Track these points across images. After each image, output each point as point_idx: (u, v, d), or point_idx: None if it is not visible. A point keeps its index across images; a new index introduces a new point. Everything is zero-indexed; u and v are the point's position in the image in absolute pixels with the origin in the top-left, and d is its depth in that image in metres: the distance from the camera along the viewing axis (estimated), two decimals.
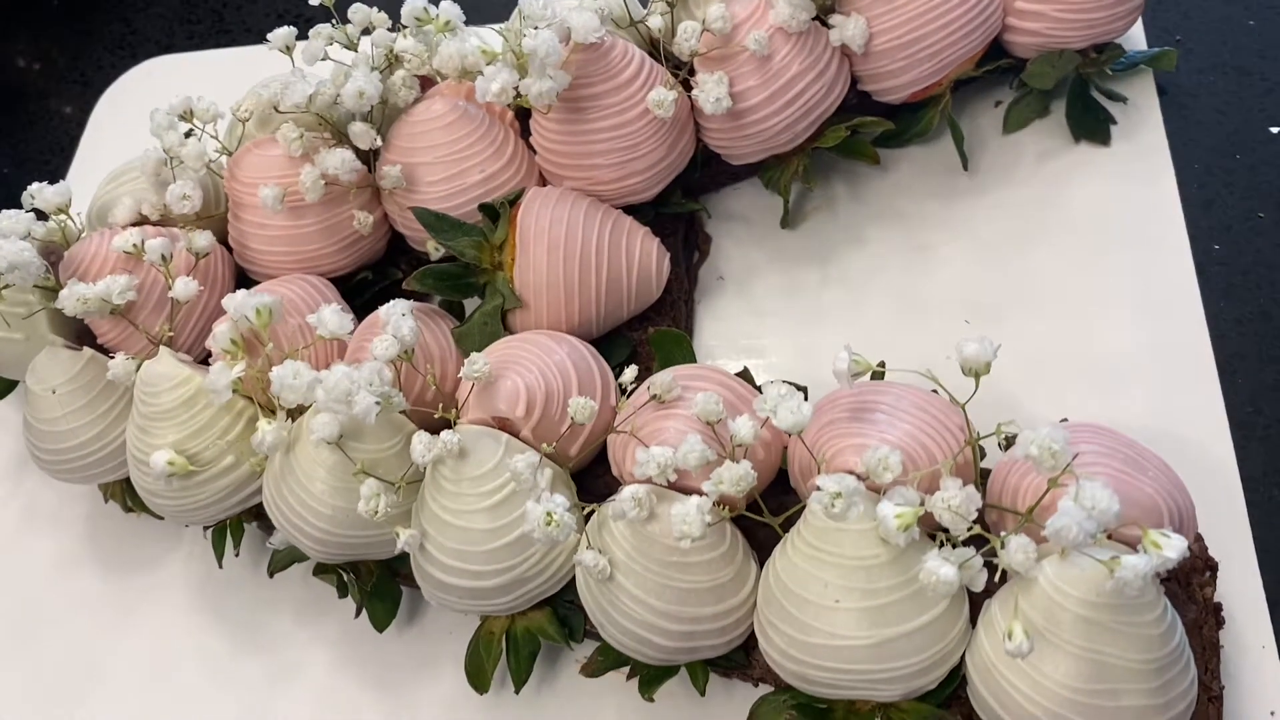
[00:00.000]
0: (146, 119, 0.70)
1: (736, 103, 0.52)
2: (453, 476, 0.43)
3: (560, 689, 0.48)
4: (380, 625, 0.49)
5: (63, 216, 0.54)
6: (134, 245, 0.51)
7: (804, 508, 0.40)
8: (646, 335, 0.52)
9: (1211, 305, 0.52)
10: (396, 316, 0.44)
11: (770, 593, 0.41)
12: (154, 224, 0.55)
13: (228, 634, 0.52)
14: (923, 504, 0.38)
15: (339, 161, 0.50)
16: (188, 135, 0.54)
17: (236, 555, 0.51)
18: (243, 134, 0.55)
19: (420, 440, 0.43)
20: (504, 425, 0.44)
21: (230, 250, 0.55)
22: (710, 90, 0.51)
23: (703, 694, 0.44)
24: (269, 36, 0.54)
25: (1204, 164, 0.56)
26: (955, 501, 0.37)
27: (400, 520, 0.45)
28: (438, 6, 0.53)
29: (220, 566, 0.51)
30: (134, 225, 0.53)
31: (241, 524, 0.51)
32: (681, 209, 0.55)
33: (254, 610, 0.52)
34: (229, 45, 0.74)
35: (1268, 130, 0.56)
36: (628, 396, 0.45)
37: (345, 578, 0.48)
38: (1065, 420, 0.45)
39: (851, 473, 0.39)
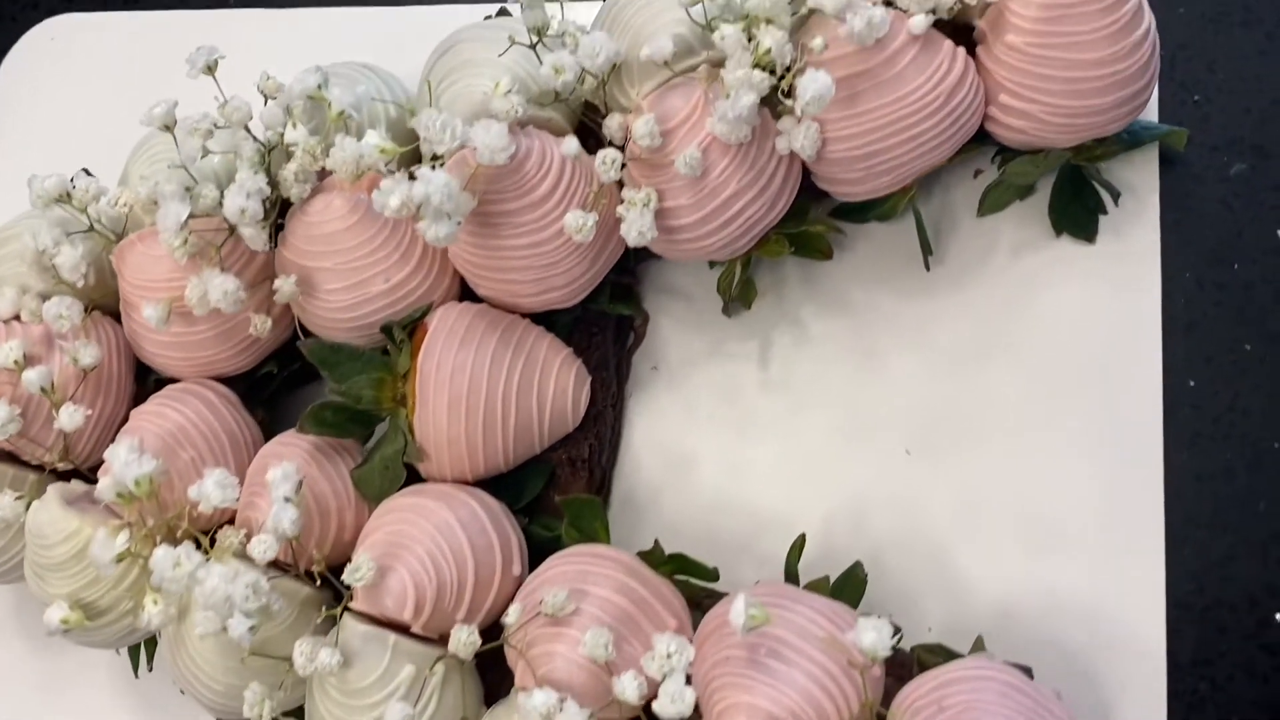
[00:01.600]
0: (53, 92, 0.65)
1: (667, 219, 0.46)
2: (338, 684, 0.42)
3: None
4: None
5: None
6: (15, 362, 0.47)
7: None
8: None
9: (1174, 455, 0.48)
10: (279, 503, 0.42)
11: None
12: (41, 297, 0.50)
13: (155, 711, 0.53)
14: None
15: (221, 294, 0.45)
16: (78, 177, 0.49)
17: (150, 670, 0.51)
18: (129, 217, 0.50)
19: (300, 651, 0.42)
20: (394, 621, 0.43)
21: None
22: (633, 223, 0.45)
23: None
24: (146, 117, 0.47)
25: (1196, 274, 0.50)
26: None
27: (295, 698, 0.44)
28: (330, 93, 0.46)
29: (136, 676, 0.51)
30: (16, 319, 0.50)
31: (155, 638, 0.50)
32: (611, 311, 0.51)
33: (178, 696, 0.53)
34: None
35: (1275, 237, 0.50)
36: None
37: None
38: (983, 652, 0.43)
39: None
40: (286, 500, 0.42)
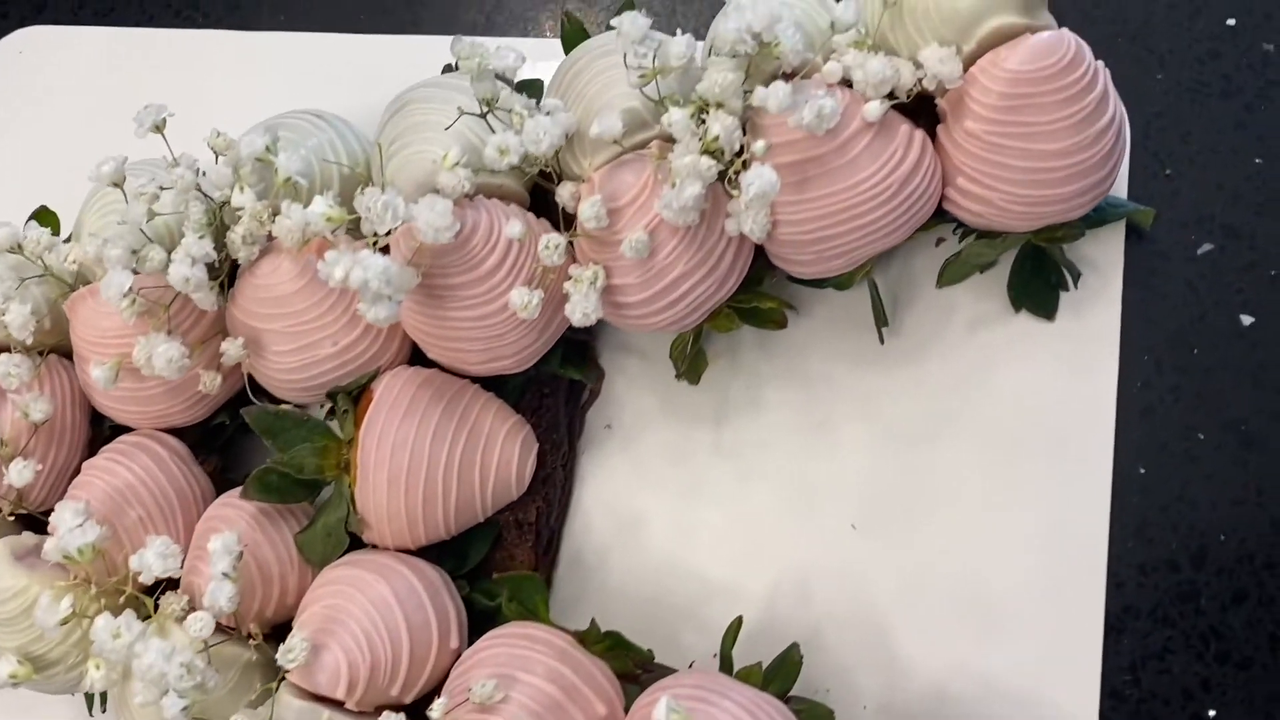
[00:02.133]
0: (22, 107, 0.65)
1: (614, 295, 0.46)
2: None
3: None
4: None
5: None
6: None
7: None
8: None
9: (1118, 544, 0.48)
10: (217, 579, 0.42)
11: None
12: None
13: None
14: None
15: (164, 361, 0.45)
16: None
17: (104, 712, 0.52)
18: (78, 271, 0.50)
19: None
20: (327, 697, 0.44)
21: None
22: (576, 304, 0.44)
23: None
24: (94, 173, 0.47)
25: (1155, 356, 0.49)
26: None
27: None
28: (280, 160, 0.46)
29: (90, 715, 0.53)
30: None
31: None
32: (561, 374, 0.50)
33: None
34: (105, 9, 0.65)
35: (1238, 321, 0.49)
36: None
37: None
38: None
39: None
40: (225, 576, 0.43)
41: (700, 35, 0.55)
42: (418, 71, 0.58)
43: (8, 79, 0.65)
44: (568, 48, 0.51)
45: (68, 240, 0.55)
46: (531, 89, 0.54)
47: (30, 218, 0.56)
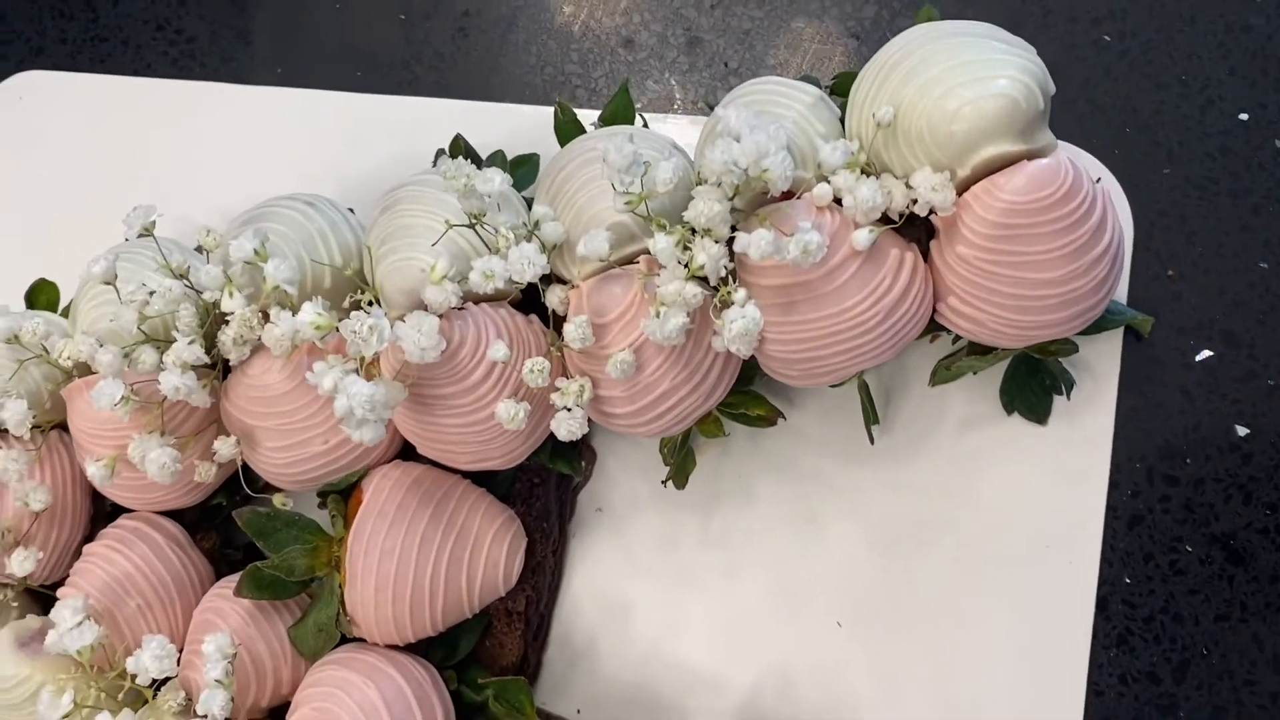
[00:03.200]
0: (21, 151, 0.65)
1: (602, 404, 0.46)
2: None
3: None
4: None
5: None
6: None
7: None
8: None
9: (1100, 652, 0.48)
10: (210, 685, 0.44)
11: None
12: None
13: None
14: None
15: (158, 467, 0.46)
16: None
17: None
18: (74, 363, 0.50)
19: None
20: None
21: None
22: (562, 422, 0.44)
23: None
24: (86, 273, 0.47)
25: (1147, 465, 0.49)
26: None
27: None
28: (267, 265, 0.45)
29: None
30: None
31: None
32: (551, 467, 0.51)
33: None
34: (102, 55, 0.64)
35: (1235, 432, 0.48)
36: None
37: None
38: None
39: None
40: (218, 682, 0.44)
41: (699, 107, 0.54)
42: (412, 132, 0.58)
43: (7, 124, 0.64)
44: (561, 139, 0.50)
45: (65, 312, 0.56)
46: (526, 164, 0.54)
47: (29, 291, 0.56)
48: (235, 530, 0.56)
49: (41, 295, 0.56)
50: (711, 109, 0.52)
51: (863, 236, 0.42)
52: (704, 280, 0.43)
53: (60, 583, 0.52)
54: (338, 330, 0.45)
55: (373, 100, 0.60)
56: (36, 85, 0.64)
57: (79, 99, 0.64)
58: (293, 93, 0.61)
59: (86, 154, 0.63)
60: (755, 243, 0.40)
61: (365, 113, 0.60)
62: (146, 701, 0.47)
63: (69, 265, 0.57)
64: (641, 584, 0.53)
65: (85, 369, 0.52)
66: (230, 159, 0.61)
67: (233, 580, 0.50)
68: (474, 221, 0.45)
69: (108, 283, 0.48)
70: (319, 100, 0.61)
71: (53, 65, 0.65)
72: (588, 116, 0.51)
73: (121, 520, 0.52)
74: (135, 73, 0.63)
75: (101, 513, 0.53)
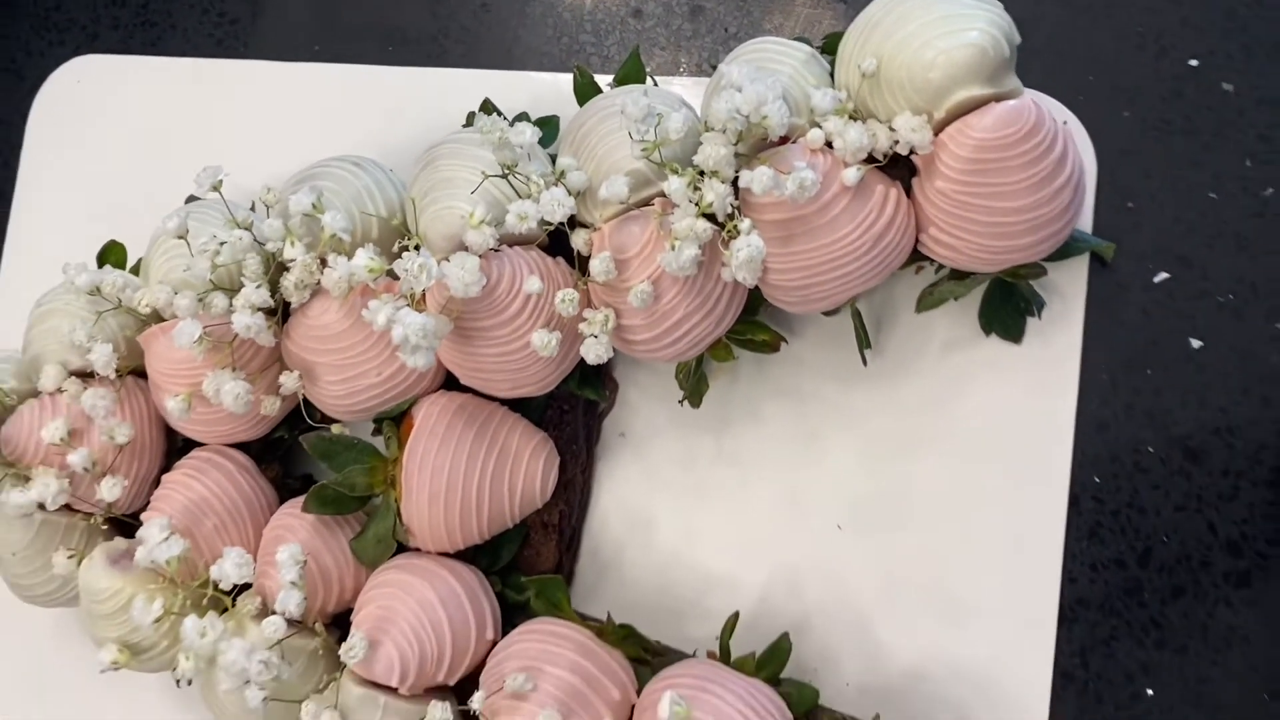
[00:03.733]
0: (82, 129, 0.70)
1: (624, 333, 0.52)
2: None
3: None
4: None
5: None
6: (60, 439, 0.55)
7: None
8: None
9: (1073, 544, 0.54)
10: (286, 587, 0.50)
11: None
12: (85, 375, 0.57)
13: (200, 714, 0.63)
14: None
15: (232, 398, 0.52)
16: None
17: (190, 685, 0.60)
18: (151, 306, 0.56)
19: (308, 712, 0.50)
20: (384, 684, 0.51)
21: None
22: (590, 347, 0.50)
23: None
24: (161, 228, 0.53)
25: (1113, 377, 0.55)
26: None
27: None
28: (323, 214, 0.51)
29: (179, 687, 0.61)
30: (59, 391, 0.57)
31: None
32: (579, 393, 0.57)
33: None
34: (153, 38, 0.70)
35: (1189, 345, 0.54)
36: None
37: None
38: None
39: None
40: (293, 584, 0.50)
41: (703, 70, 0.60)
42: (443, 102, 0.64)
43: (68, 105, 0.70)
44: (580, 99, 0.55)
45: (135, 268, 0.62)
46: (548, 125, 0.59)
47: (100, 253, 0.62)
48: (294, 462, 0.62)
49: (111, 255, 0.62)
50: (715, 69, 0.58)
51: (851, 174, 0.48)
52: (712, 218, 0.48)
53: (139, 512, 0.58)
54: (387, 274, 0.51)
55: (405, 72, 0.65)
56: (93, 69, 0.70)
57: (132, 80, 0.69)
58: (331, 68, 0.66)
59: (141, 130, 0.69)
60: (758, 179, 0.45)
61: (398, 84, 0.65)
62: (227, 608, 0.53)
63: (130, 230, 0.63)
64: (662, 499, 0.58)
65: (157, 318, 0.58)
66: (275, 130, 0.66)
67: (298, 501, 0.56)
68: (507, 171, 0.51)
69: (180, 237, 0.53)
70: (356, 74, 0.66)
71: (107, 50, 0.70)
72: (603, 80, 0.57)
73: (195, 452, 0.58)
74: (183, 54, 0.69)
75: (174, 448, 0.59)
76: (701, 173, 0.48)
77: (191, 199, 0.62)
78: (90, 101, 0.70)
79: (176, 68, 0.69)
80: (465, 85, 0.64)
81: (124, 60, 0.70)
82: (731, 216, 0.48)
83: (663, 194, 0.50)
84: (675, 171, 0.48)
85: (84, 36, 0.71)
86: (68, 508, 0.57)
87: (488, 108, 0.59)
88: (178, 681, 0.59)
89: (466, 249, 0.50)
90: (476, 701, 0.49)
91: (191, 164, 0.66)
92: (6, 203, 0.70)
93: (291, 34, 0.67)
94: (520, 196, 0.51)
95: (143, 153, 0.69)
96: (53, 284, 0.60)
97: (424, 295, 0.51)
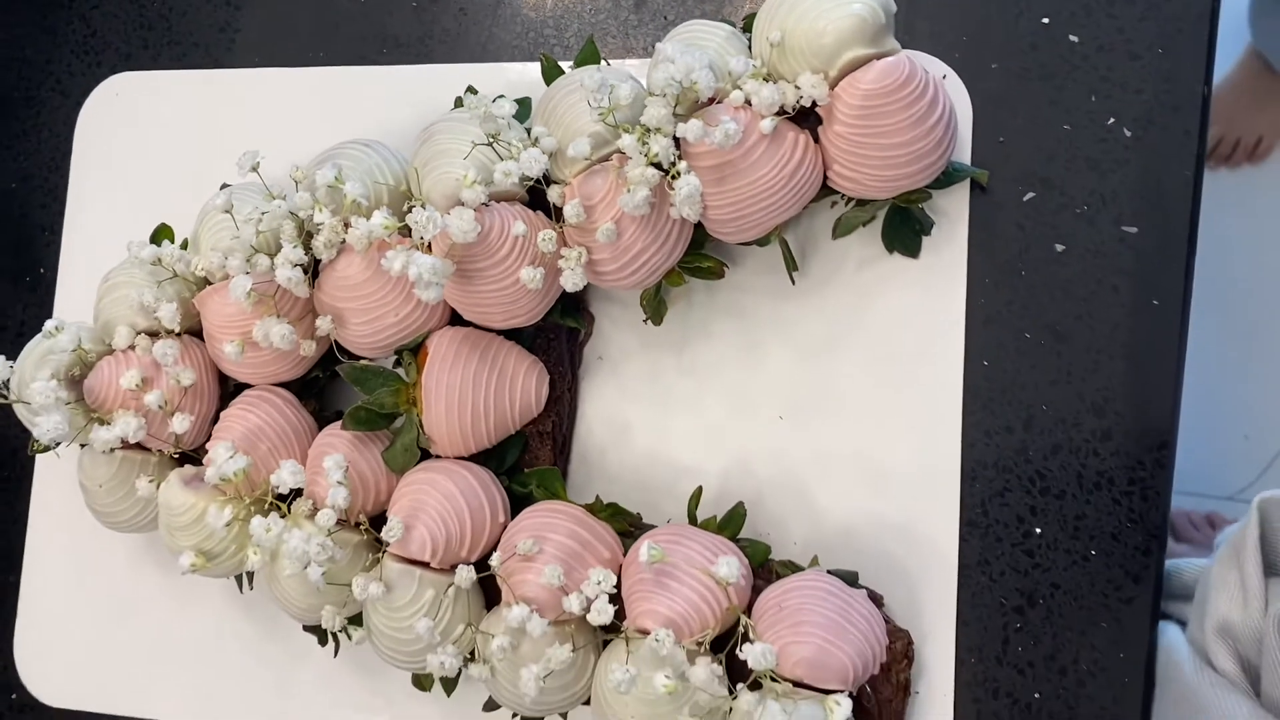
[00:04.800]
0: (125, 141, 0.82)
1: (594, 266, 0.64)
2: (384, 605, 0.62)
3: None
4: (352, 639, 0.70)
5: (81, 348, 0.68)
6: (136, 385, 0.66)
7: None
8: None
9: (969, 416, 0.66)
10: (334, 486, 0.62)
11: (597, 693, 0.61)
12: (151, 334, 0.69)
13: (257, 620, 0.75)
14: (684, 674, 0.57)
15: (279, 337, 0.64)
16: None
17: (251, 589, 0.72)
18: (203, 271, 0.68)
19: (358, 585, 0.62)
20: (418, 560, 0.63)
21: None
22: (568, 277, 0.62)
23: None
24: (213, 204, 0.65)
25: (994, 279, 0.67)
26: (702, 678, 0.56)
27: (352, 611, 0.65)
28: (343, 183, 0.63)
29: (241, 593, 0.72)
30: (130, 348, 0.68)
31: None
32: (561, 323, 0.69)
33: (274, 605, 0.74)
34: (178, 55, 0.81)
35: (1053, 249, 0.66)
36: None
37: (324, 632, 0.69)
38: (817, 566, 0.62)
39: (646, 632, 0.58)
40: (339, 484, 0.62)
41: (648, 52, 0.72)
42: (432, 92, 0.76)
43: (109, 116, 0.82)
44: (547, 80, 0.67)
45: (183, 246, 0.74)
46: (523, 104, 0.71)
47: (153, 234, 0.74)
48: (327, 399, 0.74)
49: (162, 235, 0.74)
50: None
51: (767, 124, 0.60)
52: (659, 166, 0.60)
53: (200, 448, 0.70)
54: (399, 231, 0.63)
55: (397, 70, 0.77)
56: (129, 84, 0.82)
57: (164, 92, 0.81)
58: (334, 71, 0.78)
59: (173, 134, 0.80)
60: (691, 129, 0.58)
61: (393, 80, 0.77)
62: (285, 513, 0.65)
63: (168, 216, 0.75)
64: (635, 408, 0.71)
65: (205, 284, 0.69)
66: (289, 126, 0.78)
67: (334, 427, 0.68)
68: (491, 139, 0.63)
69: (226, 211, 0.65)
70: (356, 75, 0.78)
71: (139, 67, 0.82)
72: (565, 65, 0.69)
73: (247, 392, 0.69)
74: (205, 67, 0.81)
75: (226, 392, 0.71)
76: (648, 130, 0.60)
77: (225, 186, 0.74)
78: (128, 112, 0.81)
79: (201, 79, 0.80)
80: (449, 78, 0.76)
81: (155, 75, 0.81)
82: (674, 164, 0.60)
83: (619, 150, 0.62)
84: (627, 130, 0.60)
85: (118, 57, 0.83)
86: (140, 446, 0.69)
87: (472, 92, 0.71)
88: (239, 582, 0.71)
89: (463, 205, 0.62)
90: (495, 561, 0.61)
91: (218, 160, 0.78)
92: (62, 202, 0.81)
93: (298, 44, 0.79)
94: (502, 159, 0.63)
95: (176, 152, 0.80)
96: (106, 267, 0.72)
97: (429, 244, 0.63)
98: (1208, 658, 0.61)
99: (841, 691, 0.57)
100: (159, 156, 0.80)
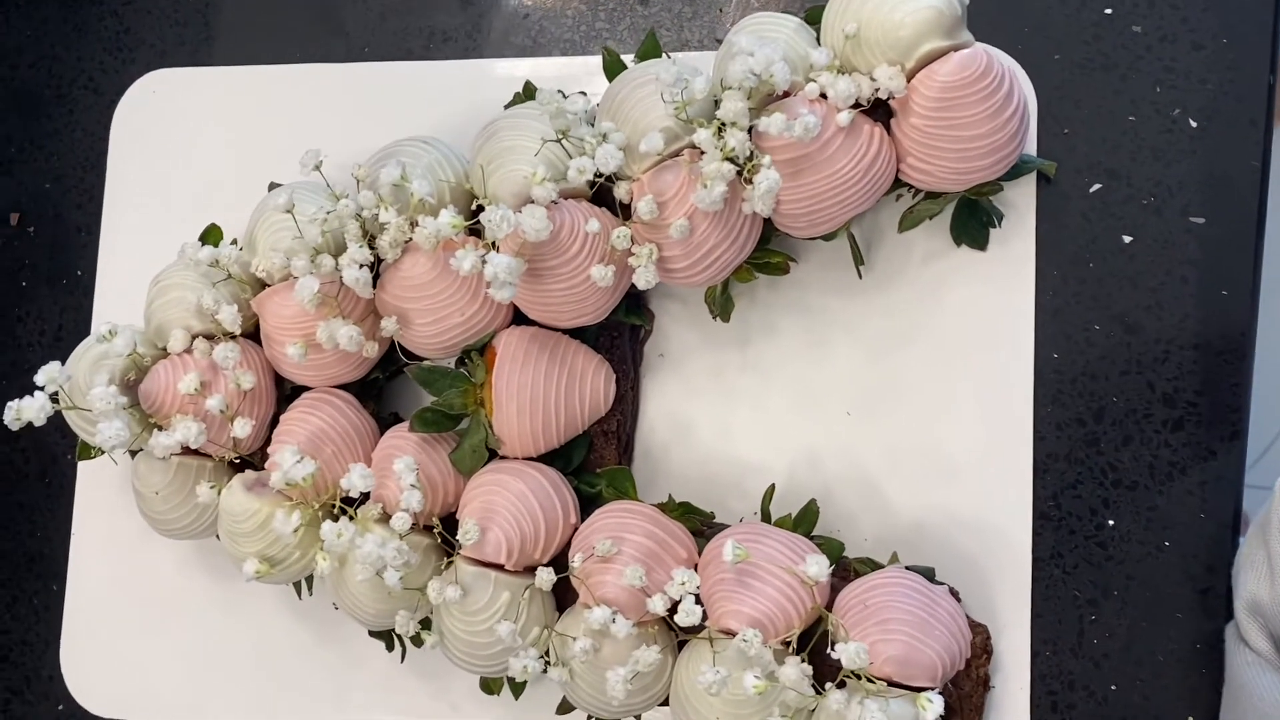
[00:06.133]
0: (160, 138, 0.80)
1: (665, 264, 0.63)
2: (459, 609, 0.61)
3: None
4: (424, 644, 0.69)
5: (135, 352, 0.67)
6: (194, 389, 0.65)
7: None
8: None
9: (1040, 409, 0.66)
10: (407, 489, 0.60)
11: (678, 693, 0.60)
12: (206, 336, 0.68)
13: (311, 626, 0.73)
14: (773, 674, 0.56)
15: (346, 339, 0.63)
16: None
17: (311, 595, 0.70)
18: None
19: (432, 589, 0.61)
20: (493, 563, 0.62)
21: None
22: (640, 275, 0.62)
23: None
24: (272, 204, 0.64)
25: (1062, 272, 0.67)
26: (792, 677, 0.56)
27: (424, 610, 0.64)
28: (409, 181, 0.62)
29: (300, 599, 0.71)
30: (186, 352, 0.67)
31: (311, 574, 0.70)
32: (625, 321, 0.68)
33: (327, 611, 0.73)
34: (216, 51, 0.80)
35: (1120, 240, 0.66)
36: None
37: (391, 636, 0.68)
38: (897, 563, 0.62)
39: (730, 632, 0.58)
40: (412, 486, 0.61)
41: (704, 44, 0.72)
42: (482, 88, 0.74)
43: (145, 114, 0.80)
44: (609, 75, 0.67)
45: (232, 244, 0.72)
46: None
47: (202, 234, 0.72)
48: (385, 401, 0.73)
49: (212, 236, 0.72)
50: (719, 43, 0.69)
51: (844, 117, 0.59)
52: (733, 161, 0.60)
53: (257, 453, 0.69)
54: (465, 230, 0.61)
55: (445, 65, 0.76)
56: (164, 81, 0.80)
57: (201, 89, 0.79)
58: (377, 66, 0.77)
59: (213, 134, 0.79)
60: (773, 123, 0.57)
61: (440, 76, 0.76)
62: (353, 517, 0.64)
63: (209, 216, 0.74)
64: (698, 404, 0.70)
65: (259, 285, 0.68)
66: (334, 123, 0.77)
67: (398, 429, 0.67)
68: (561, 136, 0.62)
69: (288, 211, 0.64)
70: (400, 70, 0.76)
71: (175, 64, 0.80)
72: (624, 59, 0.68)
73: (307, 394, 0.68)
74: (244, 63, 0.79)
75: (283, 395, 0.70)
76: (723, 124, 0.59)
77: (273, 186, 0.72)
78: (165, 110, 0.80)
79: (239, 75, 0.79)
80: (499, 73, 0.74)
81: (194, 72, 0.80)
82: (750, 158, 0.59)
83: (691, 145, 0.61)
84: (702, 125, 0.59)
85: (153, 53, 0.81)
86: (198, 451, 0.68)
87: (530, 88, 0.70)
88: (297, 589, 0.70)
89: (532, 203, 0.61)
90: (576, 562, 0.60)
91: (260, 158, 0.77)
92: (98, 202, 0.80)
93: (341, 39, 0.78)
94: (570, 156, 0.62)
95: (216, 151, 0.79)
96: (145, 269, 0.71)
97: (494, 243, 0.62)
98: (1243, 637, 0.62)
99: (931, 689, 0.57)
100: (198, 155, 0.79)
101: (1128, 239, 0.66)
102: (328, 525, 0.61)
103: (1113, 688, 0.64)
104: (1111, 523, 0.65)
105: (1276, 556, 0.61)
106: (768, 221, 0.65)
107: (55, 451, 0.79)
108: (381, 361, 0.69)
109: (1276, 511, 0.62)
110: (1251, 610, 0.62)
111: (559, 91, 0.63)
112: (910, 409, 0.67)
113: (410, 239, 0.63)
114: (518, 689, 0.66)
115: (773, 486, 0.64)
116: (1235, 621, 0.64)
